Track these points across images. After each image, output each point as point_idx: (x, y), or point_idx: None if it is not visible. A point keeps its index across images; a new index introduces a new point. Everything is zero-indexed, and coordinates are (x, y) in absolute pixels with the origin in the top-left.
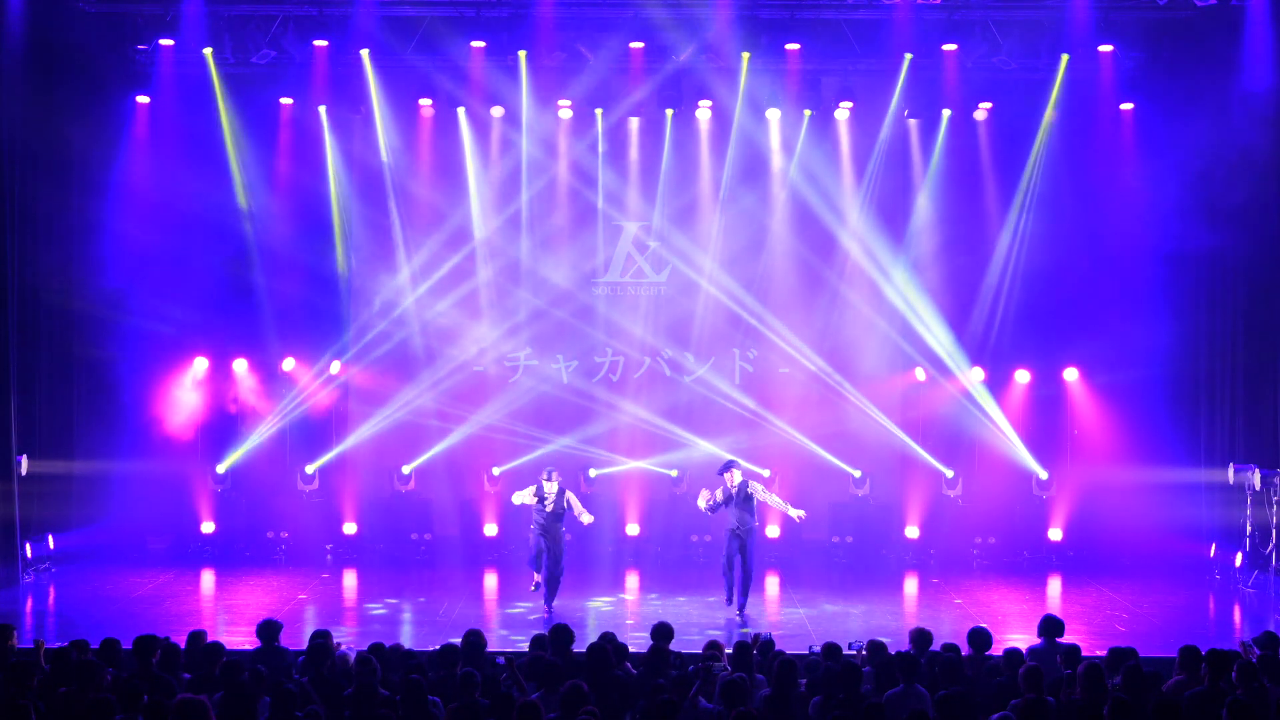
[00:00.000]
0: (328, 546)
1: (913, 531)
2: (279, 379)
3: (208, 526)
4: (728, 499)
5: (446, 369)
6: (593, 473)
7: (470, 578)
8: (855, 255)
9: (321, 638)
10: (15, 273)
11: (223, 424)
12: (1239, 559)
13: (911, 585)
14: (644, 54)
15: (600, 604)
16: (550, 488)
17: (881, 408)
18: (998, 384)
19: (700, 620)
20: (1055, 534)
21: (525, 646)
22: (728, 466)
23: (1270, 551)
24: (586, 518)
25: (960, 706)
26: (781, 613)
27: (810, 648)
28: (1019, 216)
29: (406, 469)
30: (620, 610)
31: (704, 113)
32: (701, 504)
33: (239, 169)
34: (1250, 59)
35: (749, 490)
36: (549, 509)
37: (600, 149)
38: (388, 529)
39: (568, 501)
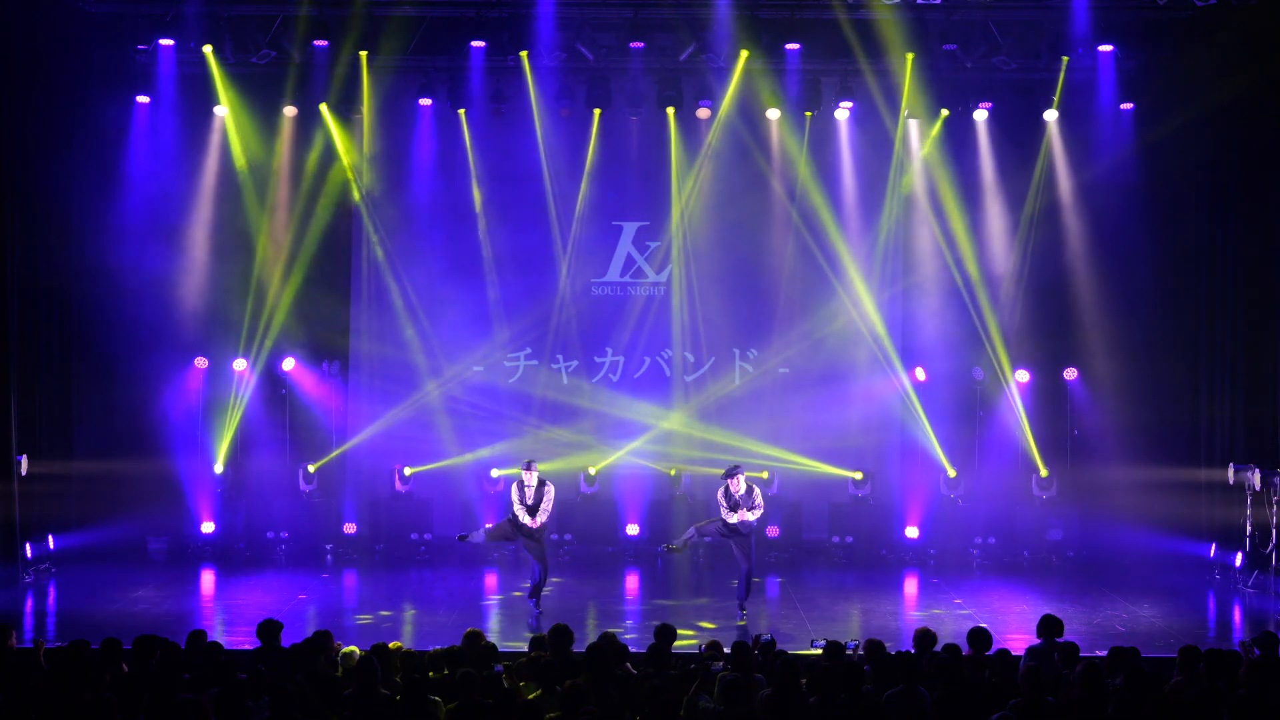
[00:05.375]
0: (328, 546)
1: (913, 531)
2: (279, 378)
3: (208, 526)
4: (734, 505)
5: (446, 370)
6: (592, 470)
7: (470, 578)
8: (854, 255)
9: (322, 638)
10: (15, 273)
11: (222, 424)
12: (1239, 559)
13: (911, 585)
14: (644, 54)
15: (600, 604)
16: (530, 478)
17: (883, 408)
18: (998, 384)
19: (700, 620)
20: (1055, 534)
21: (524, 647)
22: (733, 471)
23: (1270, 551)
24: (540, 517)
25: (960, 706)
26: (781, 613)
27: (812, 641)
28: (1019, 216)
29: (409, 471)
30: (620, 610)
31: (704, 112)
32: (695, 534)
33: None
34: (1249, 59)
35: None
36: (530, 502)
37: (595, 148)
38: (388, 529)
39: (547, 496)
